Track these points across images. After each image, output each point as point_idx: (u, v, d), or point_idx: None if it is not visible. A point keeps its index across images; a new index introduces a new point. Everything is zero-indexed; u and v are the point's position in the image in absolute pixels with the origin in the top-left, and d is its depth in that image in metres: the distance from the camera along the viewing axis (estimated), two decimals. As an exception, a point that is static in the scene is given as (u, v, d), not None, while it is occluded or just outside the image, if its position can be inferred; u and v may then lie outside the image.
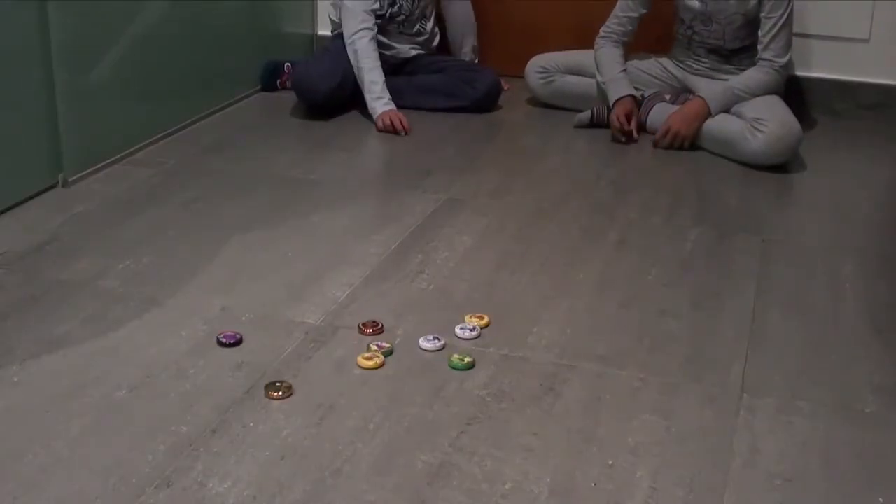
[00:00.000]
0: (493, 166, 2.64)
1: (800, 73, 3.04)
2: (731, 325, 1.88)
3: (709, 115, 2.71)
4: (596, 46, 2.93)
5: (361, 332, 1.81)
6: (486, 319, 1.86)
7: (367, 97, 2.86)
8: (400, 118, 2.80)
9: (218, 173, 2.55)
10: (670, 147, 2.74)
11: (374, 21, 2.89)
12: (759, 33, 2.77)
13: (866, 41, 2.99)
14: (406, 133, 2.79)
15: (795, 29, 2.95)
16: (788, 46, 2.78)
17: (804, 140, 2.66)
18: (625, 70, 2.89)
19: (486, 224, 2.31)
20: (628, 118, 2.80)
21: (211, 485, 1.42)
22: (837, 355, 1.80)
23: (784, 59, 2.77)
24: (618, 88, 2.85)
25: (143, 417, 1.57)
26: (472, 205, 2.40)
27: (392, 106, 2.84)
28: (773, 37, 2.74)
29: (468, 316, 1.86)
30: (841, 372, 1.74)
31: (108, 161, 2.55)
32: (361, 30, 2.85)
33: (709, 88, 2.78)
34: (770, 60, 2.75)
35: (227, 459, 1.47)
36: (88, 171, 2.49)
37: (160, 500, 1.39)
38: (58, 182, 2.42)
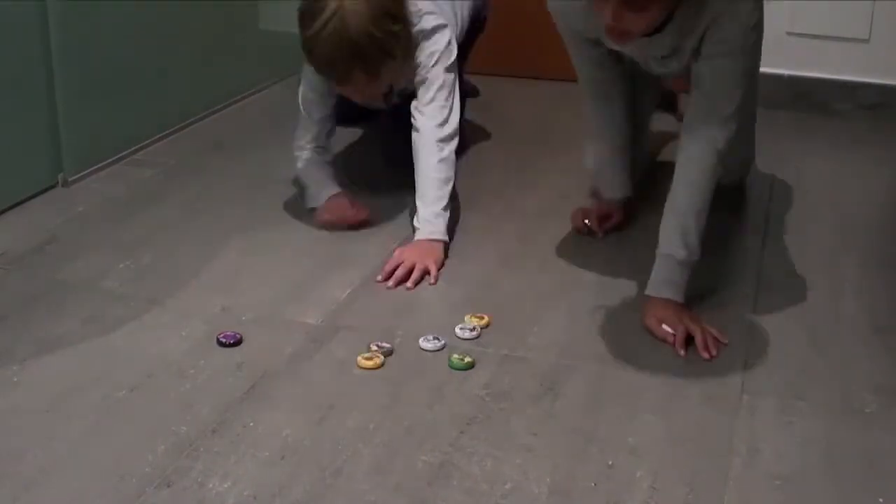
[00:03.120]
0: (492, 166, 2.64)
1: (800, 73, 3.04)
2: (731, 325, 1.87)
3: (679, 301, 1.84)
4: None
5: None
6: (486, 319, 1.86)
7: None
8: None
9: (219, 173, 2.56)
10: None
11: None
12: (693, 95, 1.86)
13: (866, 41, 2.99)
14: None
15: (795, 29, 2.95)
16: (734, 115, 1.83)
17: (805, 140, 2.66)
18: (622, 148, 2.17)
19: (486, 224, 2.31)
20: (599, 220, 2.19)
21: (211, 485, 1.42)
22: (837, 355, 1.79)
23: (728, 134, 1.84)
24: (606, 184, 2.22)
25: (143, 417, 1.57)
26: (472, 205, 2.40)
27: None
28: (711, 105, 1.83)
29: (468, 316, 1.86)
30: (841, 372, 1.74)
31: (108, 161, 2.56)
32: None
33: (655, 279, 1.88)
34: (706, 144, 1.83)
35: (227, 459, 1.48)
36: (88, 171, 2.49)
37: (160, 500, 1.40)
38: (58, 182, 2.42)
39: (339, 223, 2.23)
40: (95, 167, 2.51)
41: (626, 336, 1.83)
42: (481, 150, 2.80)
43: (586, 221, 2.21)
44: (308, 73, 2.26)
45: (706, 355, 1.75)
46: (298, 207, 2.35)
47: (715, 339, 1.79)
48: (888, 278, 2.09)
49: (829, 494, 1.44)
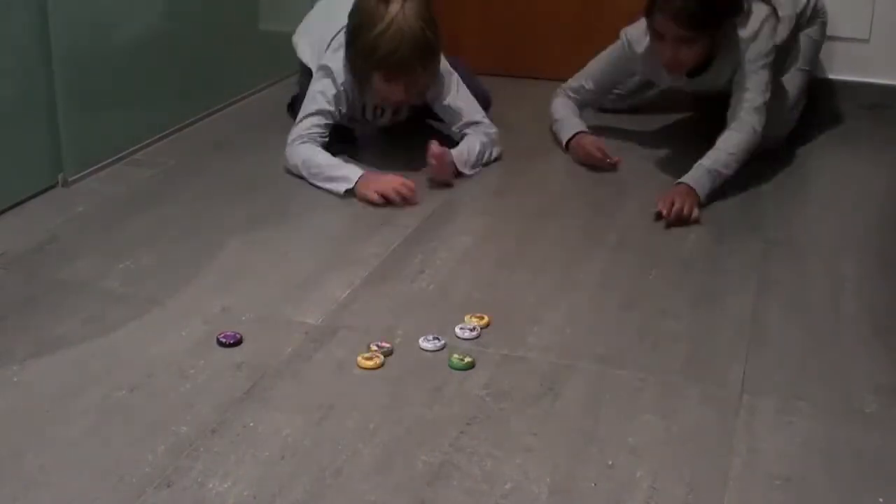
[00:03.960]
0: (492, 165, 2.64)
1: (800, 73, 3.03)
2: (731, 325, 1.88)
3: (692, 188, 2.35)
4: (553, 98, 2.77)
5: None
6: (486, 319, 1.86)
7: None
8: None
9: (218, 173, 2.56)
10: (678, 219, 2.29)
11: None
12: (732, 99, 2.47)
13: (866, 41, 2.99)
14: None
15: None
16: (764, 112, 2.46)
17: (805, 140, 2.65)
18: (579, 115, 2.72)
19: (486, 224, 2.31)
20: (599, 149, 2.57)
21: (211, 485, 1.42)
22: (838, 355, 1.80)
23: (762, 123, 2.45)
24: (569, 126, 2.68)
25: (143, 417, 1.57)
26: (472, 205, 2.40)
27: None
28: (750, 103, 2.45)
29: (468, 316, 1.86)
30: (841, 372, 1.74)
31: (108, 161, 2.56)
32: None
33: (689, 175, 2.39)
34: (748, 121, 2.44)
35: (227, 459, 1.48)
36: (88, 171, 2.49)
37: (160, 500, 1.40)
38: (58, 182, 2.42)
39: (391, 194, 2.35)
40: (95, 167, 2.51)
41: (626, 336, 1.83)
42: (481, 150, 2.81)
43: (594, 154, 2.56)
44: (334, 72, 2.49)
45: (660, 208, 2.29)
46: (298, 207, 2.35)
47: (684, 214, 2.28)
48: (888, 278, 2.09)
49: (829, 494, 1.44)
